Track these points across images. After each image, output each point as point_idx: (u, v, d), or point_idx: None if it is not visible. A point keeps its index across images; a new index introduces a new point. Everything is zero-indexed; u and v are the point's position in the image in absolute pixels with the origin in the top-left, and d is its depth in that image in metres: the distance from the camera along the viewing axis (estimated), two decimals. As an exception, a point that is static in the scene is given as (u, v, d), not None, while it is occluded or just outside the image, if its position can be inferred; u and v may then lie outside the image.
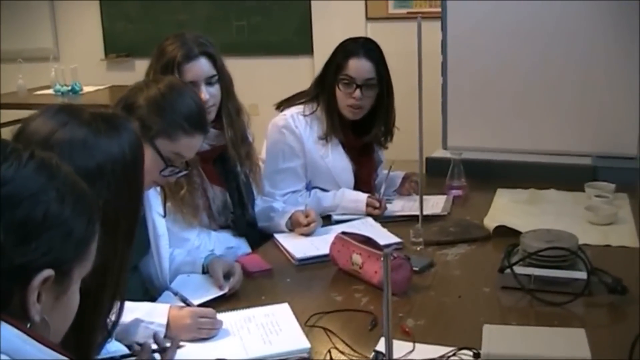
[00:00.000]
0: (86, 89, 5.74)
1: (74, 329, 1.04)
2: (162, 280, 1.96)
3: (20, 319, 0.88)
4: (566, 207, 2.48)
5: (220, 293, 1.87)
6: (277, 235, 2.32)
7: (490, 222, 2.31)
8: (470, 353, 1.51)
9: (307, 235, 2.29)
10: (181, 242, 2.11)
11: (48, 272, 0.89)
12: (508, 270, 1.85)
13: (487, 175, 2.83)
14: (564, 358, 1.37)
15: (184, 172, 1.82)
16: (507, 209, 2.49)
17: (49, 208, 0.90)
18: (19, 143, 0.99)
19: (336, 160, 2.56)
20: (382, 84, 2.51)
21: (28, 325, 0.89)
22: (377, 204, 2.46)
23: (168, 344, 1.51)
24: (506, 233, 2.17)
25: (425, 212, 2.29)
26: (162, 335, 1.59)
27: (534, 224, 2.10)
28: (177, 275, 1.99)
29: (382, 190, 2.52)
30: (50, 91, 5.74)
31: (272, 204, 2.44)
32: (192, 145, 1.79)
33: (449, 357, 1.53)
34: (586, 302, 1.78)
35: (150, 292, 1.95)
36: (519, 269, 1.85)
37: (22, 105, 5.25)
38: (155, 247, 1.95)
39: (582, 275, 1.80)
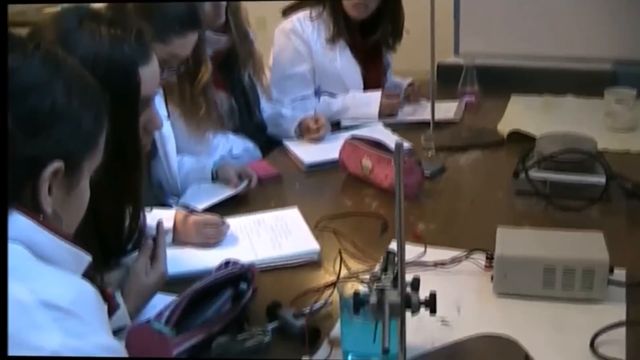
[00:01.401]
0: None
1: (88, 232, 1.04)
2: (172, 182, 1.94)
3: (33, 211, 0.88)
4: (584, 114, 2.40)
5: (232, 193, 1.85)
6: (286, 142, 2.29)
7: (504, 127, 2.25)
8: (483, 255, 1.48)
9: (317, 141, 2.25)
10: (197, 140, 2.05)
11: (58, 164, 0.88)
12: (523, 175, 1.80)
13: (501, 82, 2.72)
14: (581, 259, 1.34)
15: (183, 69, 1.79)
16: (522, 115, 2.41)
17: (56, 100, 0.89)
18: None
19: (344, 63, 2.49)
20: None
21: (40, 217, 0.88)
22: (396, 94, 2.42)
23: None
24: (520, 139, 2.11)
25: (436, 118, 2.23)
26: (170, 240, 1.59)
27: (550, 129, 2.03)
28: (186, 182, 1.96)
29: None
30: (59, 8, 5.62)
31: (280, 110, 2.39)
32: (186, 44, 1.74)
33: (461, 259, 1.50)
34: (604, 208, 1.73)
35: (159, 200, 1.92)
36: (534, 174, 1.80)
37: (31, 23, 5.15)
38: (162, 150, 1.92)
39: (601, 179, 1.75)
